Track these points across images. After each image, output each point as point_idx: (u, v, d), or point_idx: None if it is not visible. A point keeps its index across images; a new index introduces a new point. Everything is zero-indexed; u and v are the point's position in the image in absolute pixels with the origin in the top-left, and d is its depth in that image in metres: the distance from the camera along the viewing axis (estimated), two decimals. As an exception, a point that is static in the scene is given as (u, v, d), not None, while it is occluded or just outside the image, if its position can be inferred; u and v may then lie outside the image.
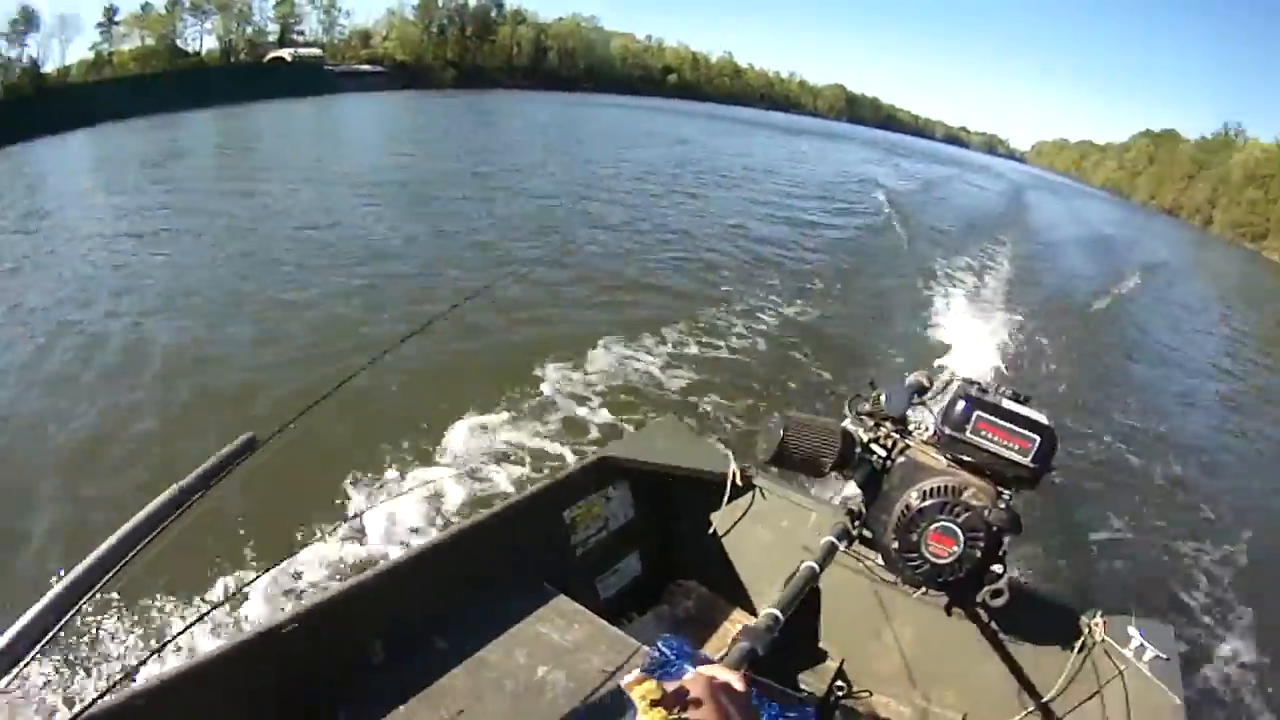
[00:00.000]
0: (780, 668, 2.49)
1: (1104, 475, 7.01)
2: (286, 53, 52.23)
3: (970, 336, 10.12)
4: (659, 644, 1.99)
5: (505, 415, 5.79)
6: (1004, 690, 2.35)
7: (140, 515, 1.10)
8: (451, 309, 2.20)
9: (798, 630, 2.58)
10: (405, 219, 12.96)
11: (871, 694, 2.55)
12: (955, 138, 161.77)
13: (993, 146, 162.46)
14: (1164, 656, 2.13)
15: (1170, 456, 7.98)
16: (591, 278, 10.16)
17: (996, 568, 1.63)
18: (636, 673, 0.69)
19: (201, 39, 53.73)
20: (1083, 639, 2.20)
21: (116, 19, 50.89)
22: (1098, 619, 2.22)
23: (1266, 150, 57.20)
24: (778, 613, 1.30)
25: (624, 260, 11.43)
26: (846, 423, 1.80)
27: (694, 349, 7.93)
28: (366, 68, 53.64)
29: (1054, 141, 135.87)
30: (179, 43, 53.13)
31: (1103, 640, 2.19)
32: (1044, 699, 2.28)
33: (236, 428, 1.26)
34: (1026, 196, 40.40)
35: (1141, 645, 2.15)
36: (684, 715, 0.67)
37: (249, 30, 54.49)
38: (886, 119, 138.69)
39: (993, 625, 2.33)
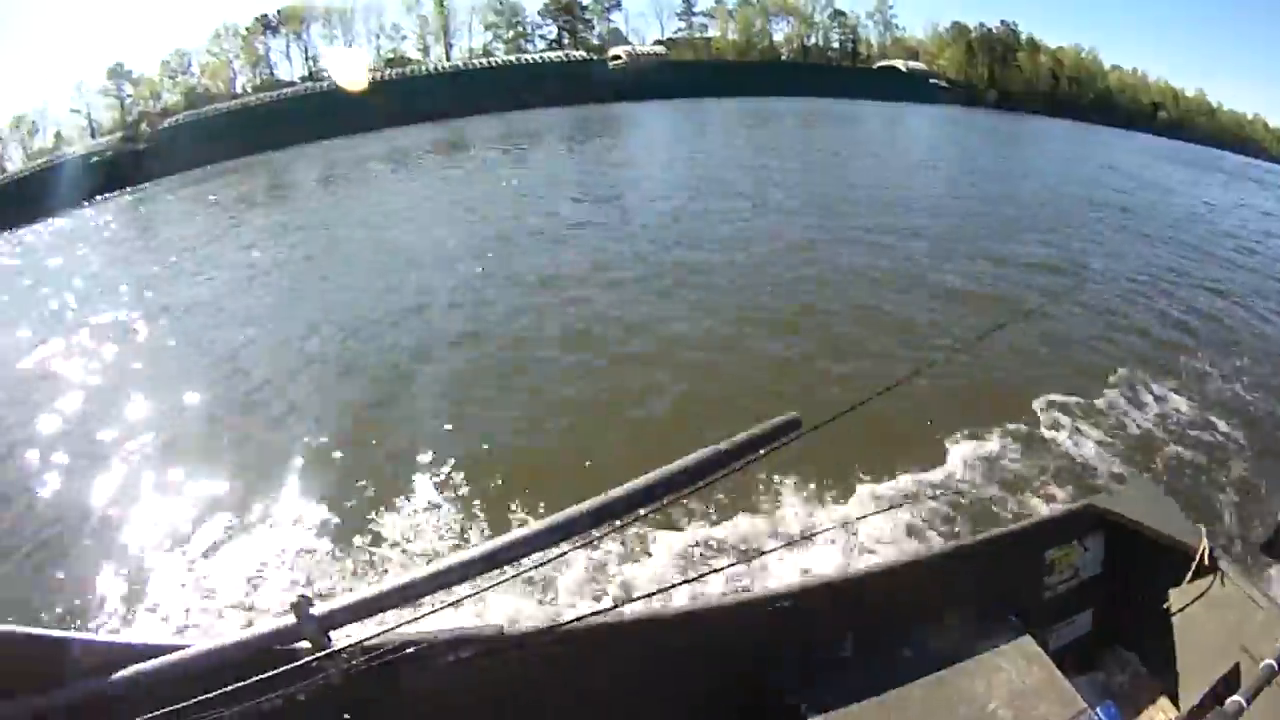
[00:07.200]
0: None
1: None
2: (900, 63, 61.04)
3: None
4: (1099, 711, 2.05)
5: (994, 443, 5.84)
6: None
7: (672, 467, 1.31)
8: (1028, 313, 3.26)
9: None
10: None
11: None
12: None
13: None
14: None
15: None
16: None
17: None
18: None
19: (770, 40, 63.96)
20: None
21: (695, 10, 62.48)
22: None
23: None
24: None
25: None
26: None
27: (1211, 404, 7.02)
28: (945, 83, 60.41)
29: None
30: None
31: None
32: None
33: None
34: None
35: None
36: None
37: (815, 39, 64.46)
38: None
39: None
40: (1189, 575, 2.51)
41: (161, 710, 1.60)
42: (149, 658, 1.77)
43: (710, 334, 8.35)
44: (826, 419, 1.63)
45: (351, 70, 46.36)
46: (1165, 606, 2.59)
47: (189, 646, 1.78)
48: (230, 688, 1.60)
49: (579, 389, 7.19)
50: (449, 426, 6.48)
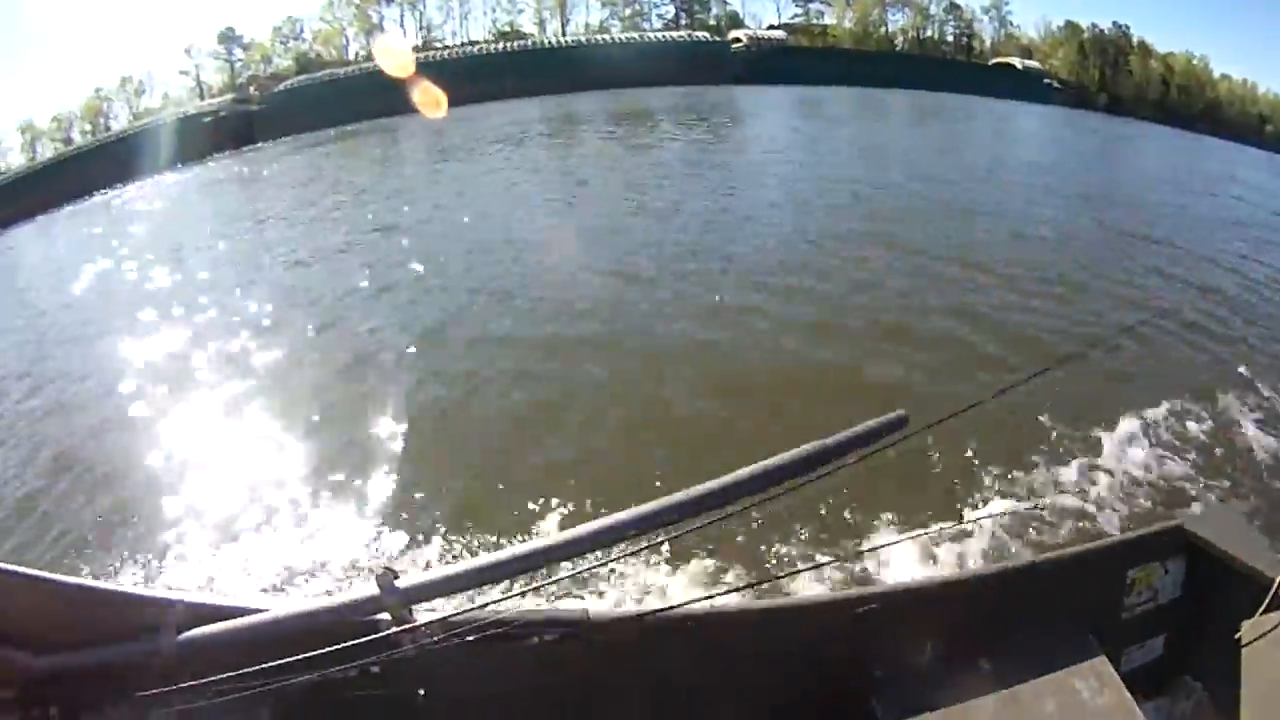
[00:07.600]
0: None
1: None
2: (1016, 60, 59.87)
3: None
4: None
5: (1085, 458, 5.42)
6: None
7: (774, 461, 1.32)
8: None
9: None
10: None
11: None
12: None
13: None
14: None
15: None
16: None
17: None
18: None
19: (886, 29, 62.79)
20: None
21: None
22: None
23: None
24: None
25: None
26: None
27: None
28: (1057, 84, 59.20)
29: None
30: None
31: None
32: None
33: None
34: None
35: None
36: None
37: (931, 31, 63.63)
38: None
39: None
40: (1261, 608, 2.38)
41: (235, 672, 1.59)
42: (226, 618, 1.77)
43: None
44: (934, 419, 1.61)
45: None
46: (1236, 638, 2.44)
47: (267, 610, 1.79)
48: (305, 655, 1.59)
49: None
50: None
